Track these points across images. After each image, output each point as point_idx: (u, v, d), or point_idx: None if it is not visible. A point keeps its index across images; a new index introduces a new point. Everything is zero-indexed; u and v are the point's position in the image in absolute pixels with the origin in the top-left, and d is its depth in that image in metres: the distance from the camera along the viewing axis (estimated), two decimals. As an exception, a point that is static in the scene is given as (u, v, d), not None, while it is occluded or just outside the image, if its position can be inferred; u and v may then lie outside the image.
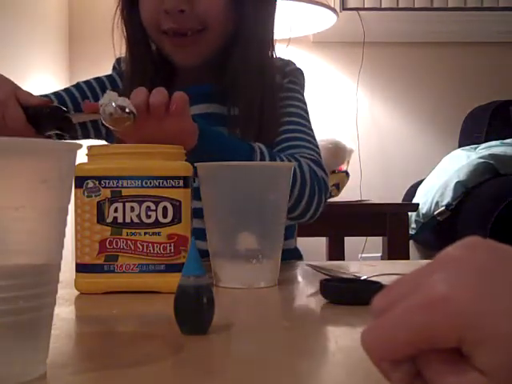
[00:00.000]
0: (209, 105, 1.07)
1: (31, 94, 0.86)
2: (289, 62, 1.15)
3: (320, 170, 1.01)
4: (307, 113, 1.11)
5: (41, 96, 1.07)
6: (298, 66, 1.17)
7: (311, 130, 1.09)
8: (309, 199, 0.97)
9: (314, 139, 1.08)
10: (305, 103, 1.12)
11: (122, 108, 0.77)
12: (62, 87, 1.13)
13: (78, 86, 1.13)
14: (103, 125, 0.81)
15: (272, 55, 1.09)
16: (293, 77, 1.13)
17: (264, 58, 1.05)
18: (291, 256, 1.12)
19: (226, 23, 1.02)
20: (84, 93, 1.11)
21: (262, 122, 1.02)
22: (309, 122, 1.10)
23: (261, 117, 1.02)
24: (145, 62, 1.06)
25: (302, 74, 1.16)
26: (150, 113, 0.80)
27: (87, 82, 1.13)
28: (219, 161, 0.77)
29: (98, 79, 1.15)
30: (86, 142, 0.77)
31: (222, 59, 1.04)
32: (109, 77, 1.16)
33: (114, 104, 0.77)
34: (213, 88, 1.07)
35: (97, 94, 1.12)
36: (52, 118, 0.82)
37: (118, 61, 1.17)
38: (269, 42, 1.07)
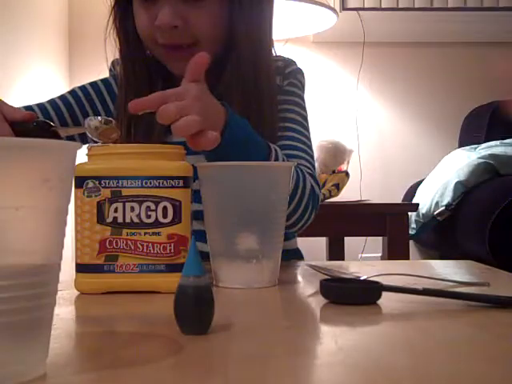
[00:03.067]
0: None
1: (15, 109, 0.85)
2: (290, 63, 1.14)
3: (317, 186, 1.03)
4: (306, 119, 1.10)
5: (36, 105, 1.07)
6: (299, 65, 1.16)
7: (309, 138, 1.08)
8: (302, 214, 0.99)
9: (311, 148, 1.08)
10: (304, 108, 1.11)
11: (107, 121, 0.77)
12: (62, 86, 1.13)
13: (73, 92, 1.12)
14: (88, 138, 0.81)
15: (270, 56, 1.08)
16: (293, 78, 1.12)
17: (260, 60, 1.03)
18: (293, 257, 1.12)
19: (221, 33, 1.01)
20: (79, 99, 1.10)
21: (262, 125, 1.01)
22: (307, 129, 1.09)
23: (259, 120, 1.01)
24: (139, 72, 1.05)
25: (303, 75, 1.15)
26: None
27: (82, 88, 1.12)
28: (241, 153, 0.82)
29: (93, 84, 1.14)
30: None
31: (219, 61, 1.04)
32: (104, 81, 1.15)
33: (99, 118, 0.77)
34: (211, 91, 1.07)
35: (92, 99, 1.11)
36: (39, 132, 0.82)
37: (113, 63, 1.16)
38: (266, 43, 1.06)
